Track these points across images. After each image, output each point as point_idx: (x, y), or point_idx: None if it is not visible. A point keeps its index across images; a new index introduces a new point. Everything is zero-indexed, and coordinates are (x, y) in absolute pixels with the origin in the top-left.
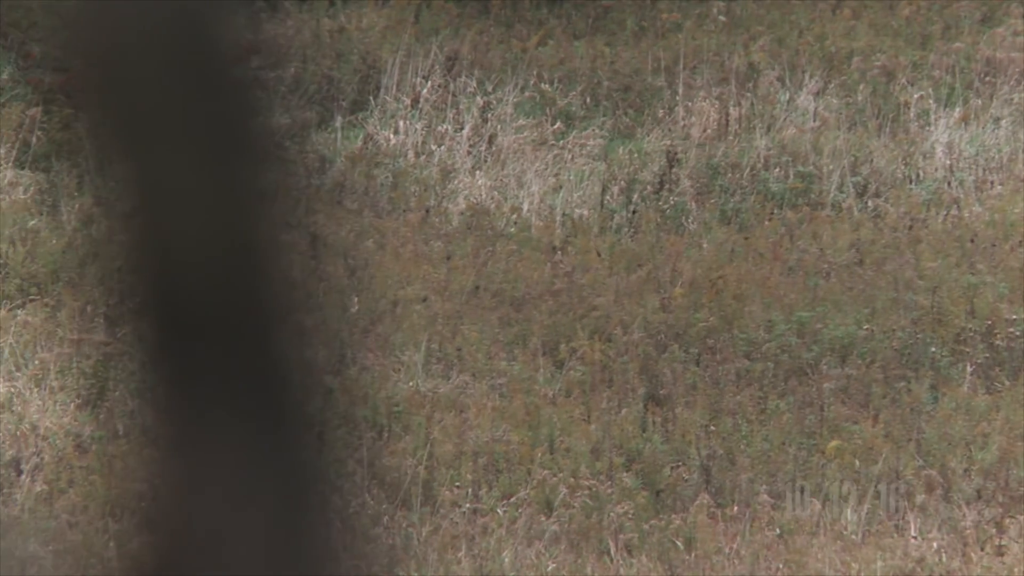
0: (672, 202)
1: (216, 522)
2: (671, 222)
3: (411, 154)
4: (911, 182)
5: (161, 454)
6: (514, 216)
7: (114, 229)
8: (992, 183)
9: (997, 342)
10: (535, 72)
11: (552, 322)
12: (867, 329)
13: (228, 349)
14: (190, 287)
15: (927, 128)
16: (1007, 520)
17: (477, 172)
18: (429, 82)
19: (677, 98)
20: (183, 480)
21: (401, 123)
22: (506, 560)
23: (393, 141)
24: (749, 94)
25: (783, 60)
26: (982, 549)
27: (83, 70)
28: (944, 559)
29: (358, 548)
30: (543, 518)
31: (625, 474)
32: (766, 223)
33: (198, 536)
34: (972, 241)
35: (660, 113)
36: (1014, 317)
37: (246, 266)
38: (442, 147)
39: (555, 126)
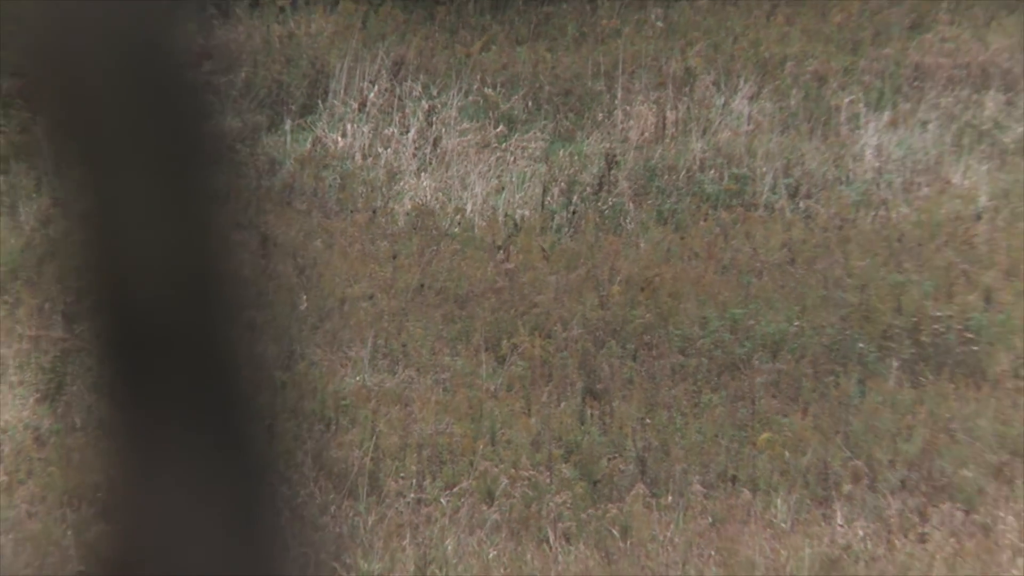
0: (611, 203)
1: (169, 511)
2: (609, 222)
3: (358, 156)
4: (841, 184)
5: (117, 446)
6: (458, 216)
7: (71, 229)
8: (919, 185)
9: (923, 338)
10: (479, 77)
11: (494, 319)
12: (797, 326)
13: (181, 345)
14: (144, 285)
15: (857, 131)
16: (930, 509)
17: (422, 174)
18: (376, 86)
19: (616, 102)
20: (138, 471)
21: (349, 126)
22: (449, 548)
23: (341, 144)
24: (686, 98)
25: (719, 65)
26: (906, 536)
27: (40, 75)
28: (869, 546)
29: (306, 536)
30: (484, 507)
31: (564, 465)
32: (701, 223)
33: (152, 525)
34: (899, 241)
35: (599, 116)
36: (939, 314)
37: (198, 265)
38: (388, 150)
39: (498, 129)
